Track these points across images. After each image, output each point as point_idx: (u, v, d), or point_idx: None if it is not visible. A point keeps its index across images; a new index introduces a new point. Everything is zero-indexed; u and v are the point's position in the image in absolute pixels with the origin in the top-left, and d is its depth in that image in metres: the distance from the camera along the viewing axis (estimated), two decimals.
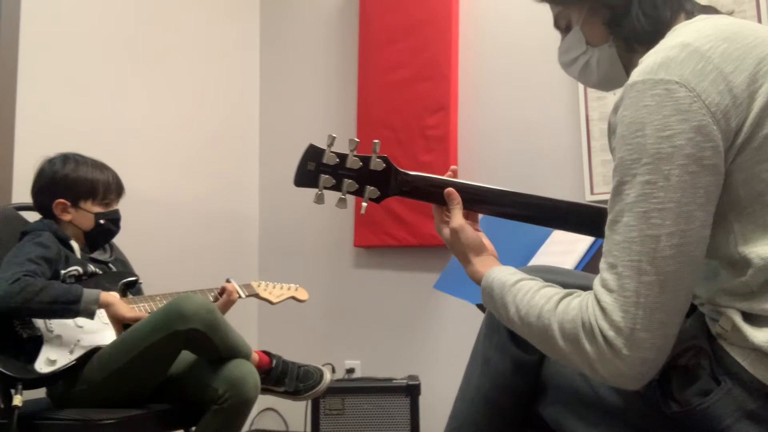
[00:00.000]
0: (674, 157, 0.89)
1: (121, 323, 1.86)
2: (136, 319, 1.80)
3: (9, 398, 1.63)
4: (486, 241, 1.21)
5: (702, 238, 0.91)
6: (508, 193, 1.23)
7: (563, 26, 1.20)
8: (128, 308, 1.83)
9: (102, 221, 1.97)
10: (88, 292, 1.75)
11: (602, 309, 0.90)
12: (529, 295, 1.02)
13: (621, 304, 0.89)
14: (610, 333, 0.89)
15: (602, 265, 0.94)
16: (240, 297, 2.07)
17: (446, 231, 1.21)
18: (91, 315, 1.75)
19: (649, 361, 0.89)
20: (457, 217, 1.19)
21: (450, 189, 1.20)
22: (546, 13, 1.22)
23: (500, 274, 1.10)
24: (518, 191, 1.24)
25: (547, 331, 0.97)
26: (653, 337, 0.88)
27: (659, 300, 0.88)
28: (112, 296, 1.82)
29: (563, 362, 0.98)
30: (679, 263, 0.89)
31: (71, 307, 1.71)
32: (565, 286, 1.04)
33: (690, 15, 1.06)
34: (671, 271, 0.89)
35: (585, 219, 1.24)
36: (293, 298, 2.22)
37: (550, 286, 1.03)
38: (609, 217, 0.94)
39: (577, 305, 0.94)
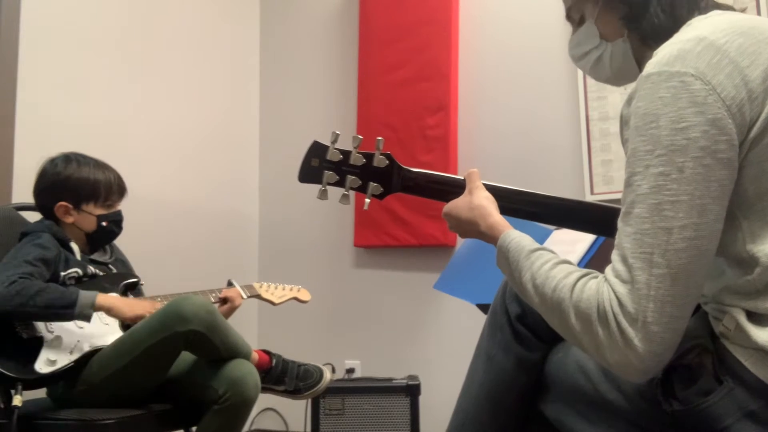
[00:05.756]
0: (688, 149, 0.88)
1: (124, 322, 1.86)
2: (139, 318, 1.79)
3: (9, 398, 1.63)
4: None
5: (715, 232, 0.90)
6: (517, 192, 1.23)
7: (576, 19, 1.18)
8: (128, 308, 1.81)
9: (104, 223, 1.96)
10: (84, 296, 1.72)
11: (618, 298, 0.90)
12: (548, 266, 1.00)
13: (634, 296, 0.89)
14: (625, 322, 0.89)
15: (614, 256, 0.93)
16: (242, 298, 2.06)
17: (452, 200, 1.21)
18: (87, 319, 1.74)
19: (658, 355, 0.89)
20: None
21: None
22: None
23: (520, 237, 1.09)
24: (527, 190, 1.24)
25: (561, 306, 0.96)
26: (663, 331, 0.88)
27: (670, 293, 0.88)
28: (110, 298, 1.80)
29: (570, 340, 0.97)
30: (691, 257, 0.88)
31: (66, 312, 1.70)
32: None
33: (704, 12, 1.05)
34: (683, 264, 0.88)
35: (592, 217, 1.24)
36: (295, 299, 2.20)
37: (569, 262, 1.02)
38: (622, 209, 0.94)
39: (595, 287, 0.93)
